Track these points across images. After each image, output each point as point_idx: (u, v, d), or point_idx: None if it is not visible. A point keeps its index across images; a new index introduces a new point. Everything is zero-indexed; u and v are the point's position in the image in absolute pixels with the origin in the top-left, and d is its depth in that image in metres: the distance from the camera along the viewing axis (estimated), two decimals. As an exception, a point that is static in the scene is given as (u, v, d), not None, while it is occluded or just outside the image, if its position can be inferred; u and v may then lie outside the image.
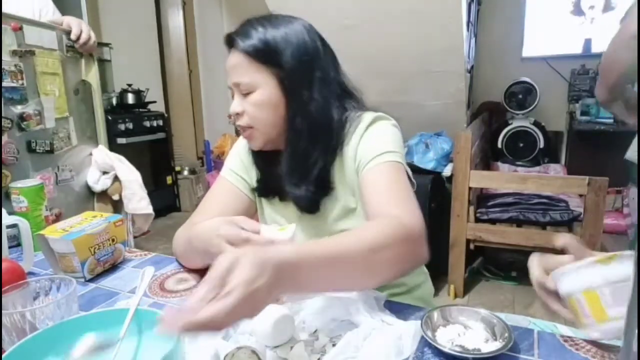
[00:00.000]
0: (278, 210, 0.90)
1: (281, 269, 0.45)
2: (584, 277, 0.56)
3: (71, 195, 1.46)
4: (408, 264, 0.64)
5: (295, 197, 0.82)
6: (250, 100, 0.77)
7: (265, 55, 0.76)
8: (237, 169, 0.92)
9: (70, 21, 1.42)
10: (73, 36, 1.40)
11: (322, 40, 0.83)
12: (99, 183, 1.54)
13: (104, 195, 1.58)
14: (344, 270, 0.54)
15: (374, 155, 0.76)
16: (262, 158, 0.88)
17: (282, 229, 0.68)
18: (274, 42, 0.76)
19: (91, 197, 1.57)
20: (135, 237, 1.68)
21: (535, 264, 0.61)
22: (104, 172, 1.57)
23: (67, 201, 1.43)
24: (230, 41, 0.79)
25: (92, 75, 1.51)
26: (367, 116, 0.82)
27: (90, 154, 1.55)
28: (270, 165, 0.86)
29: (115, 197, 1.58)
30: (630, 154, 1.28)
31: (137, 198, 1.59)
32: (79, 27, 1.42)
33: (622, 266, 0.54)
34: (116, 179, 1.57)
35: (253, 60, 0.76)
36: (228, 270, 0.42)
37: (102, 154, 1.56)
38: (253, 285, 0.41)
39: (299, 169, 0.80)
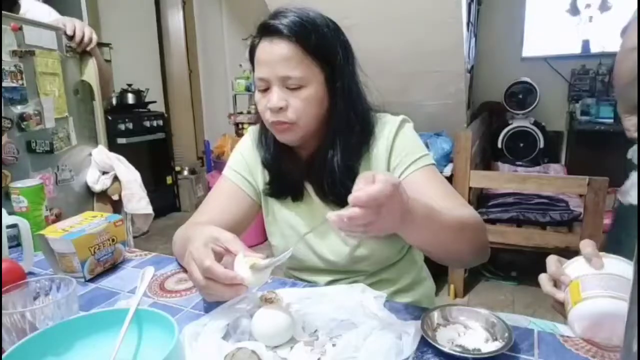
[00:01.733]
0: (291, 210, 0.89)
1: (405, 199, 0.55)
2: (571, 272, 0.57)
3: (71, 195, 1.46)
4: (480, 249, 0.73)
5: (335, 192, 0.81)
6: (300, 95, 0.74)
7: (321, 49, 0.74)
8: (240, 169, 0.90)
9: (63, 20, 1.40)
10: (69, 31, 1.38)
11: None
12: (98, 183, 1.54)
13: (103, 195, 1.57)
14: (439, 228, 0.63)
15: (414, 159, 0.80)
16: (276, 158, 0.86)
17: (252, 264, 0.61)
18: (328, 37, 0.75)
19: (91, 197, 1.56)
20: (135, 237, 1.68)
21: (554, 261, 0.61)
22: (104, 172, 1.57)
23: (67, 201, 1.43)
24: (274, 29, 0.73)
25: (91, 76, 1.51)
26: (394, 119, 0.84)
27: (90, 154, 1.55)
28: (285, 164, 0.85)
29: (115, 197, 1.58)
30: (632, 153, 1.28)
31: (137, 198, 1.59)
32: (72, 23, 1.40)
33: (607, 261, 0.56)
34: (116, 179, 1.57)
35: (307, 53, 0.73)
36: (372, 176, 0.52)
37: (101, 154, 1.56)
38: (392, 181, 0.51)
39: (336, 163, 0.79)
